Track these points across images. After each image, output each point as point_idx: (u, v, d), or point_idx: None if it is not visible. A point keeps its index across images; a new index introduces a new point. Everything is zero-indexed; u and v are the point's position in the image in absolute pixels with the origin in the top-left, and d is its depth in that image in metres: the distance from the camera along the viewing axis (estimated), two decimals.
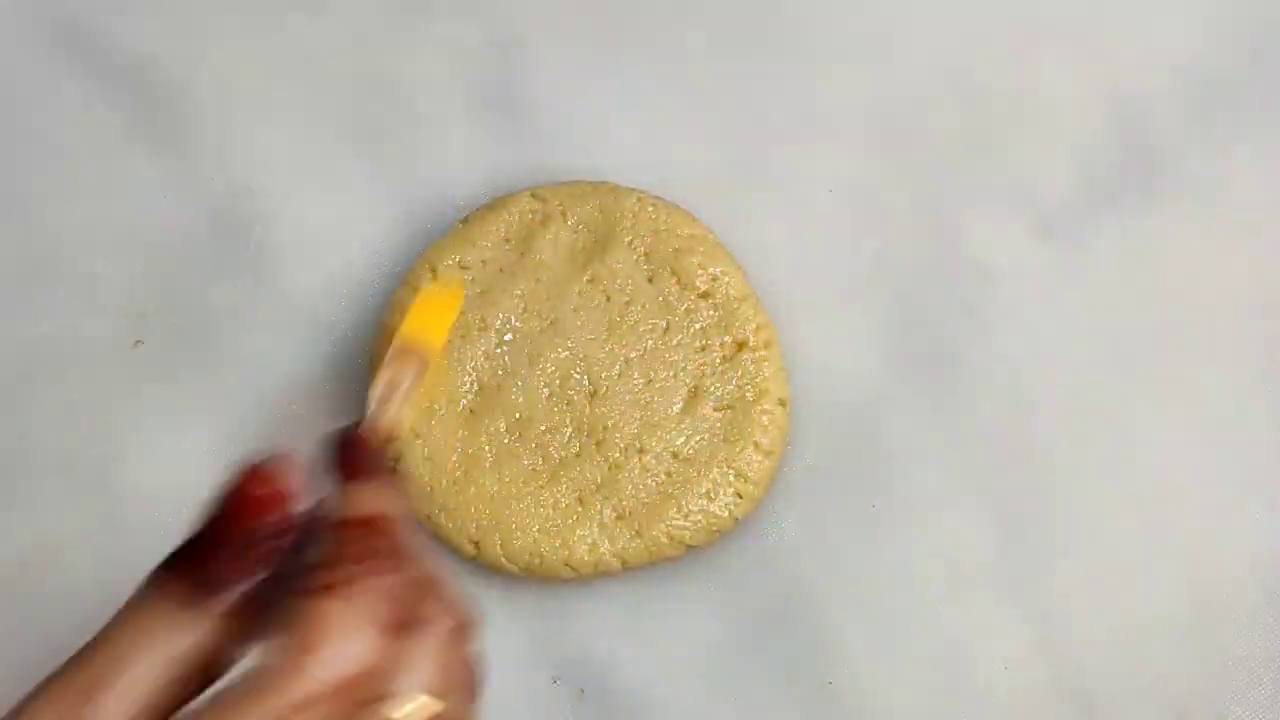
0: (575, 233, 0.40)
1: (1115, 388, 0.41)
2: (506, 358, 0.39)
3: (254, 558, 0.22)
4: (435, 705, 0.20)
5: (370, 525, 0.22)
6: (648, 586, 0.39)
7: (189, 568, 0.22)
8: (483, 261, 0.40)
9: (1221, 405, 0.40)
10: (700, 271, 0.39)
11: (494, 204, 0.41)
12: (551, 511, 0.38)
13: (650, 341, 0.39)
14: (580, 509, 0.38)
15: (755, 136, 0.43)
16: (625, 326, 0.39)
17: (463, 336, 0.39)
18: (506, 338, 0.39)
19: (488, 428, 0.38)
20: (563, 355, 0.39)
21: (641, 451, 0.38)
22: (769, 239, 0.42)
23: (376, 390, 0.30)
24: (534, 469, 0.38)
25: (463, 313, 0.39)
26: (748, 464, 0.38)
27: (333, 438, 0.25)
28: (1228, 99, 0.43)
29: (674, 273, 0.39)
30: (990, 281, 0.41)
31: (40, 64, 0.43)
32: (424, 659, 0.21)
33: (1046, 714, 0.38)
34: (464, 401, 0.39)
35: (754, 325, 0.39)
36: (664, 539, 0.38)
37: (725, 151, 0.43)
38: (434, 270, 0.40)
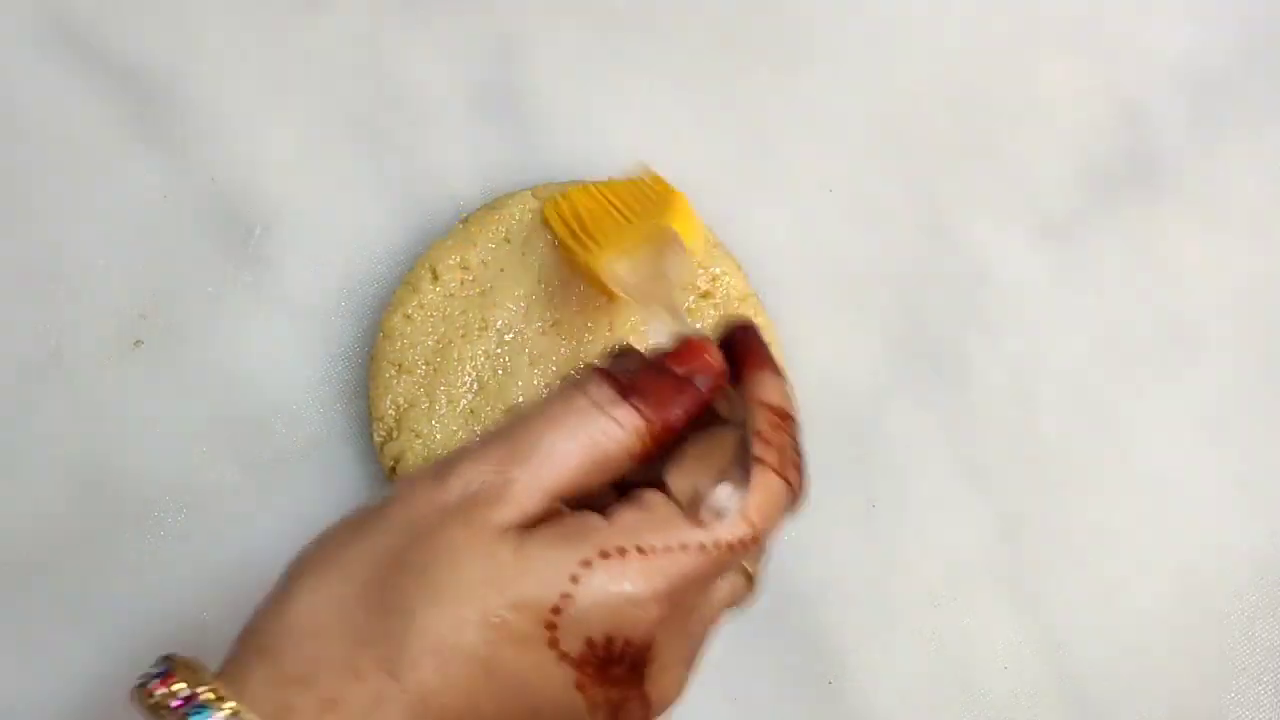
0: None
1: (1115, 387, 0.41)
2: (507, 357, 0.39)
3: (690, 396, 0.24)
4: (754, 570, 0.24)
5: (786, 418, 0.25)
6: None
7: (630, 382, 0.23)
8: (483, 261, 0.40)
9: (1221, 404, 0.41)
10: (701, 271, 0.39)
11: (494, 204, 0.40)
12: None
13: (650, 342, 0.39)
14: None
15: (755, 136, 0.43)
16: (626, 327, 0.39)
17: (463, 336, 0.39)
18: (507, 337, 0.39)
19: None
20: (564, 355, 0.39)
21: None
22: (769, 239, 0.42)
23: (670, 271, 0.31)
24: None
25: (462, 312, 0.39)
26: None
27: (738, 329, 0.27)
28: (1228, 99, 0.43)
29: None
30: (990, 281, 0.41)
31: (40, 64, 0.43)
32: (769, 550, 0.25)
33: (1046, 714, 0.38)
34: (464, 401, 0.39)
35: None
36: None
37: (725, 151, 0.43)
38: (434, 270, 0.40)
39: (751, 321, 0.28)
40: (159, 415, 0.41)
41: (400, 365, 0.39)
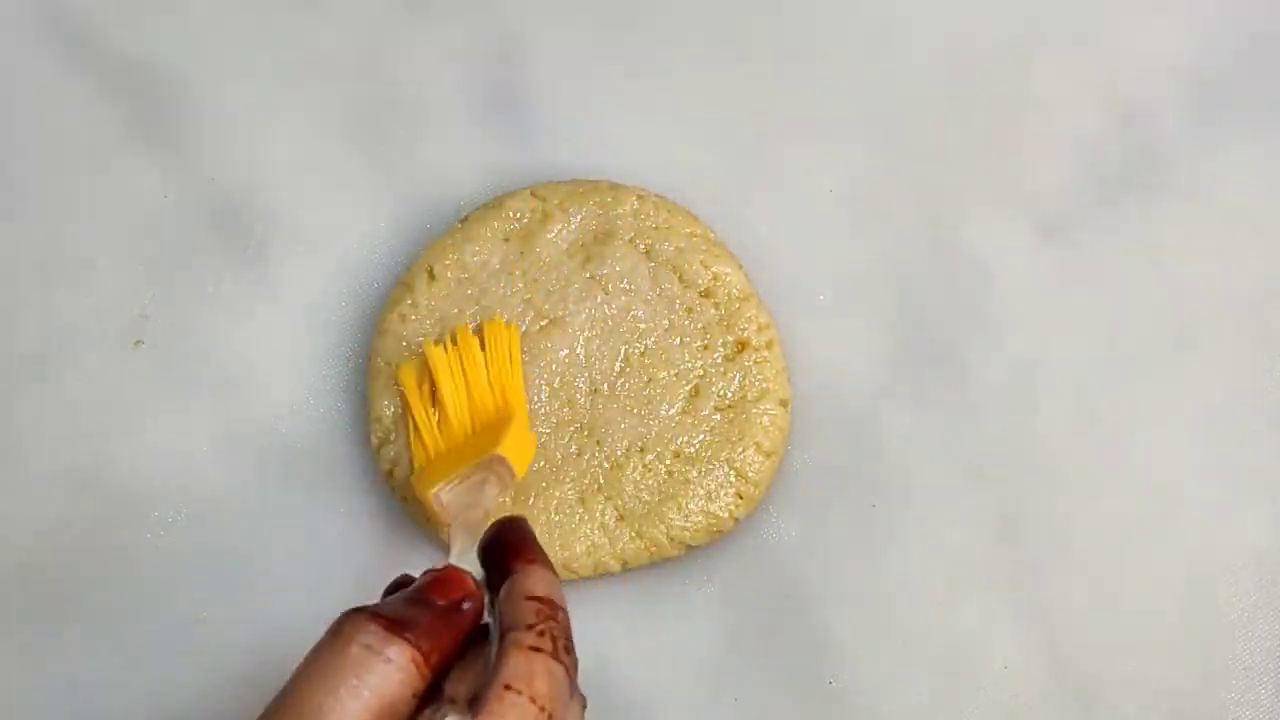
0: (576, 231, 0.40)
1: (1115, 388, 0.41)
2: None
3: (457, 622, 0.24)
4: None
5: (555, 608, 0.25)
6: (647, 587, 0.39)
7: (399, 626, 0.23)
8: (482, 261, 0.40)
9: (1222, 405, 0.40)
10: (702, 270, 0.39)
11: (494, 203, 0.40)
12: (552, 512, 0.38)
13: (651, 340, 0.39)
14: (581, 509, 0.38)
15: (755, 136, 0.43)
16: (626, 325, 0.39)
17: None
18: None
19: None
20: (563, 354, 0.39)
21: (642, 451, 0.38)
22: (769, 239, 0.42)
23: (487, 500, 0.33)
24: (534, 469, 0.38)
25: (459, 312, 0.39)
26: (749, 464, 0.38)
27: (503, 528, 0.28)
28: (1228, 99, 0.43)
29: (675, 271, 0.39)
30: (990, 281, 0.41)
31: (40, 64, 0.43)
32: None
33: (1046, 714, 0.38)
34: None
35: (756, 325, 0.39)
36: (664, 539, 0.38)
37: (725, 151, 0.43)
38: (431, 270, 0.40)
39: (519, 517, 0.29)
40: (159, 415, 0.41)
41: (397, 365, 0.39)
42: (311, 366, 0.41)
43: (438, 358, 0.37)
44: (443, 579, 0.25)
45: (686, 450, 0.38)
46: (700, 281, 0.39)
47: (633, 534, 0.38)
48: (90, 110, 0.43)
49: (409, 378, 0.37)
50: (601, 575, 0.38)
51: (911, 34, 0.44)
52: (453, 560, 0.28)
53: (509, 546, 0.27)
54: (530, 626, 0.24)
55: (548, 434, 0.38)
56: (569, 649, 0.24)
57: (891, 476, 0.40)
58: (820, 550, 0.39)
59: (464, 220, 0.41)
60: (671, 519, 0.38)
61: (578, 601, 0.38)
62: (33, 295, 0.42)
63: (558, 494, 0.38)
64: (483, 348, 0.37)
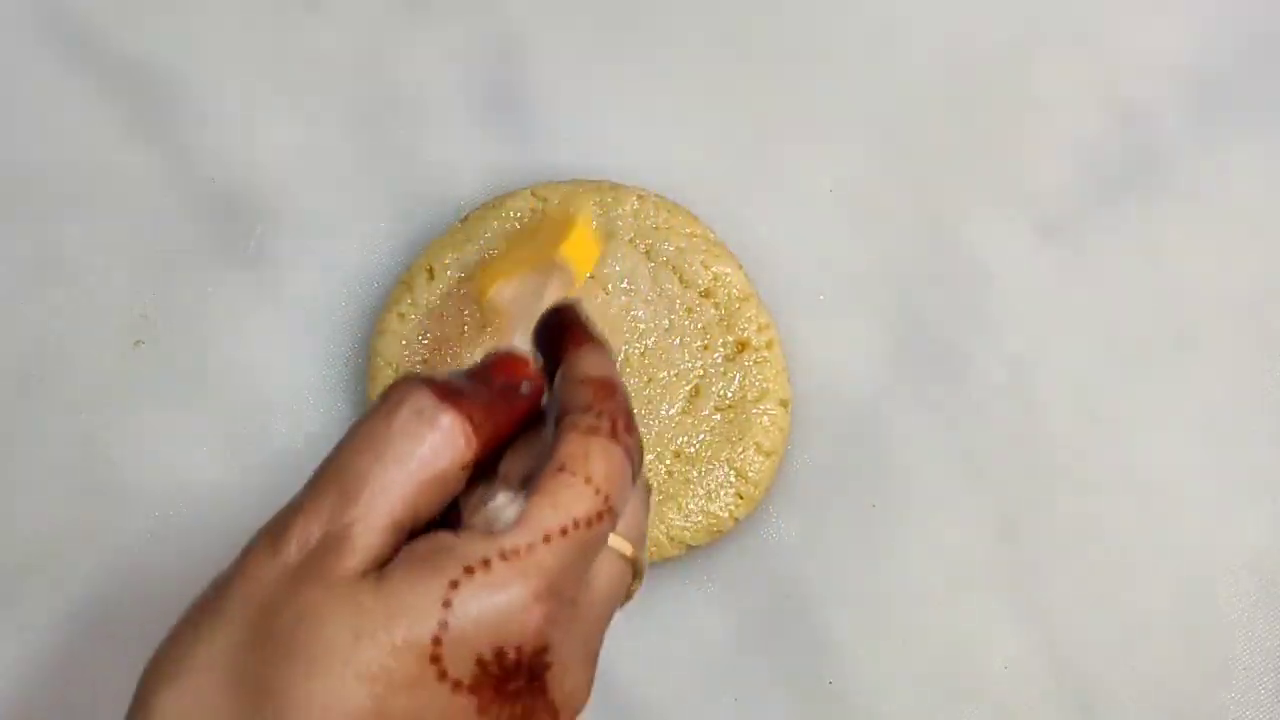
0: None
1: (1115, 388, 0.41)
2: None
3: (513, 401, 0.23)
4: (629, 551, 0.23)
5: (612, 386, 0.24)
6: (648, 586, 0.39)
7: (453, 396, 0.22)
8: (482, 260, 0.40)
9: (1222, 405, 0.40)
10: (702, 270, 0.39)
11: (494, 203, 0.40)
12: None
13: (651, 340, 0.39)
14: None
15: (755, 136, 0.43)
16: (626, 325, 0.39)
17: (460, 335, 0.39)
18: None
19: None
20: None
21: (642, 451, 0.38)
22: (769, 239, 0.42)
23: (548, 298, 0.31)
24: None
25: (459, 311, 0.39)
26: (749, 464, 0.38)
27: (555, 312, 0.27)
28: (1228, 99, 0.43)
29: (675, 271, 0.39)
30: (990, 281, 0.41)
31: (40, 64, 0.43)
32: (637, 510, 0.24)
33: (1046, 714, 0.38)
34: None
35: (756, 325, 0.39)
36: (664, 539, 0.38)
37: (725, 151, 0.43)
38: (431, 270, 0.40)
39: (570, 303, 0.27)
40: (159, 415, 0.41)
41: (397, 366, 0.39)
42: (311, 366, 0.41)
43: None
44: (503, 359, 0.24)
45: (686, 450, 0.38)
46: (700, 282, 0.39)
47: None
48: (90, 109, 0.43)
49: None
50: None
51: (911, 34, 0.44)
52: None
53: (563, 328, 0.26)
54: (587, 408, 0.22)
55: None
56: (629, 429, 0.23)
57: (891, 476, 0.40)
58: (820, 550, 0.39)
59: (464, 220, 0.40)
60: (671, 519, 0.38)
61: None
62: (32, 295, 0.42)
63: None
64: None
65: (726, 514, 0.38)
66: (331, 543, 0.20)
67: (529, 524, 0.20)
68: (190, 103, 0.43)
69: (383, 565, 0.20)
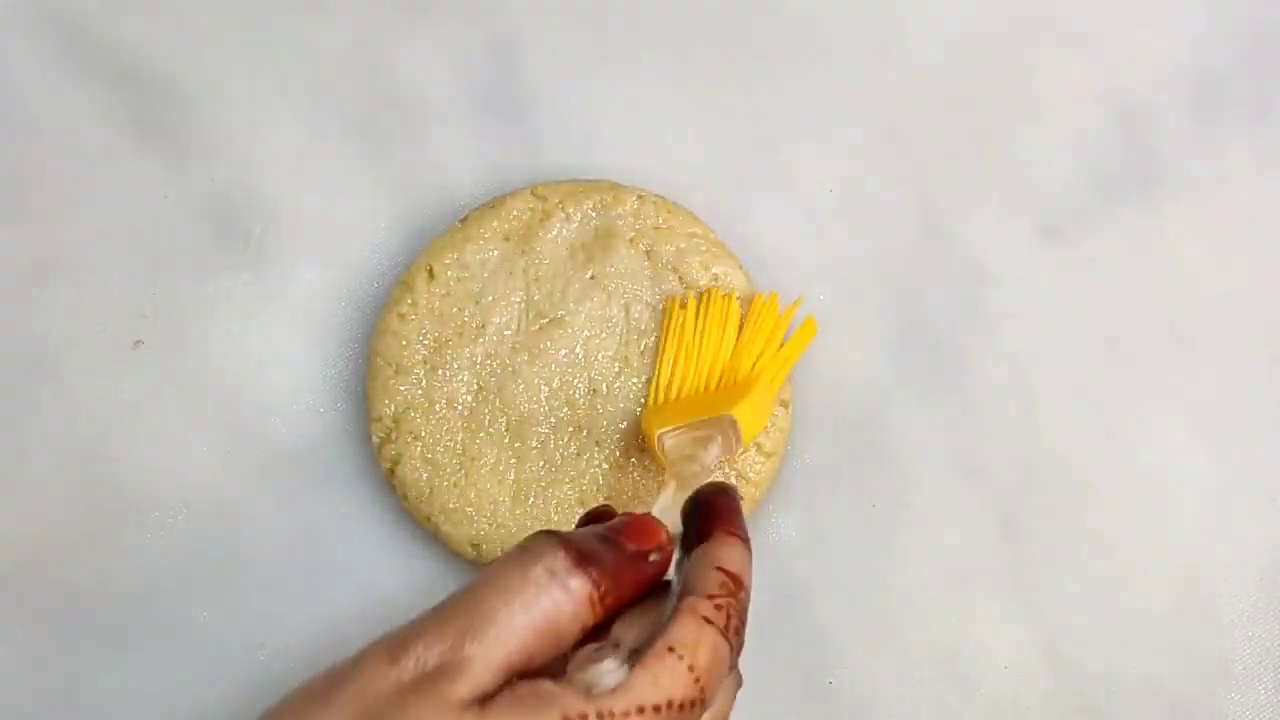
0: (576, 231, 0.40)
1: (1115, 387, 0.41)
2: (507, 357, 0.39)
3: (643, 569, 0.25)
4: None
5: (740, 585, 0.25)
6: None
7: (585, 561, 0.23)
8: (482, 260, 0.40)
9: (1221, 405, 0.40)
10: (702, 271, 0.39)
11: (494, 203, 0.40)
12: (551, 513, 0.38)
13: (651, 339, 0.39)
14: (581, 511, 0.38)
15: (755, 136, 0.43)
16: (627, 325, 0.39)
17: (459, 335, 0.39)
18: (506, 334, 0.39)
19: (488, 428, 0.38)
20: (562, 354, 0.39)
21: (642, 451, 0.38)
22: (769, 239, 0.42)
23: (708, 458, 0.33)
24: (534, 470, 0.38)
25: (459, 311, 0.39)
26: (749, 465, 0.38)
27: (718, 492, 0.28)
28: (1228, 99, 0.43)
29: (675, 271, 0.39)
30: (990, 281, 0.41)
31: (40, 64, 0.43)
32: (725, 702, 0.25)
33: (1046, 714, 0.38)
34: (463, 402, 0.39)
35: None
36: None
37: (725, 151, 0.43)
38: (430, 270, 0.40)
39: (732, 486, 0.29)
40: (159, 415, 0.41)
41: (398, 366, 0.39)
42: (311, 366, 0.41)
43: (692, 313, 0.38)
44: (638, 525, 0.25)
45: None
46: (700, 281, 0.39)
47: None
48: (90, 110, 0.43)
49: (676, 317, 0.38)
50: None
51: (911, 35, 0.44)
52: (656, 510, 0.28)
53: (716, 511, 0.27)
54: (711, 597, 0.24)
55: (547, 433, 0.38)
56: (739, 631, 0.24)
57: (891, 476, 0.40)
58: (820, 550, 0.39)
59: (464, 220, 0.40)
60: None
61: None
62: (34, 294, 0.42)
63: (557, 495, 0.38)
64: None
65: None
66: (448, 669, 0.21)
67: (629, 693, 0.21)
68: (190, 103, 0.43)
69: (488, 699, 0.21)
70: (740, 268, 0.40)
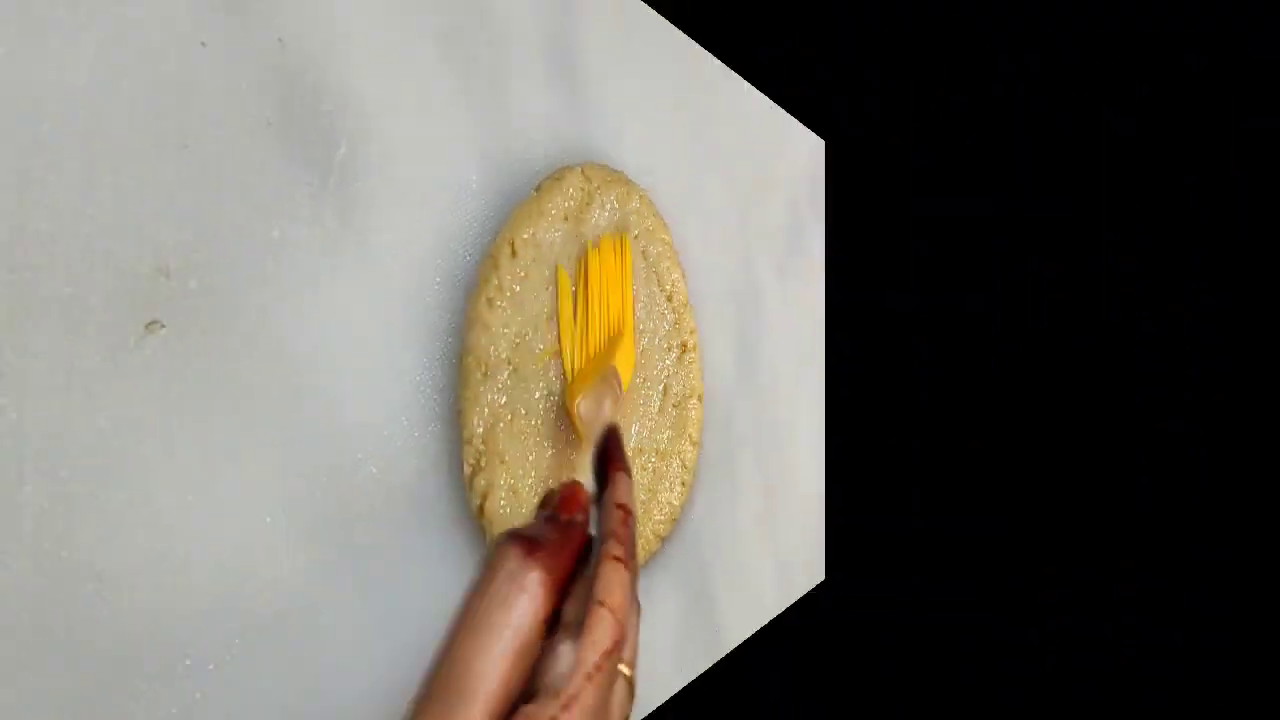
0: (606, 220, 0.38)
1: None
2: (574, 350, 0.35)
3: (575, 536, 0.25)
4: (629, 672, 0.25)
5: (629, 512, 0.27)
6: (646, 587, 0.40)
7: (535, 549, 0.24)
8: (550, 241, 0.34)
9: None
10: (667, 275, 0.41)
11: (558, 174, 0.35)
12: None
13: (644, 341, 0.39)
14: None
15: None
16: (639, 326, 0.39)
17: (535, 329, 0.33)
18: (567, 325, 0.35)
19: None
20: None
21: (640, 452, 0.39)
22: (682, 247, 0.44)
23: (604, 412, 0.33)
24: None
25: (535, 298, 0.33)
26: (686, 454, 0.42)
27: (605, 435, 0.29)
28: None
29: (655, 274, 0.40)
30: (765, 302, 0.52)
31: None
32: (634, 631, 0.25)
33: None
34: (538, 412, 0.33)
35: (690, 328, 0.43)
36: (651, 536, 0.39)
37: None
38: (513, 245, 0.32)
39: (613, 425, 0.32)
40: (166, 412, 0.22)
41: (486, 367, 0.31)
42: (402, 368, 0.28)
43: (593, 265, 0.36)
44: (567, 495, 0.27)
45: (661, 447, 0.40)
46: (666, 286, 0.41)
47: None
48: None
49: (565, 298, 0.35)
50: None
51: None
52: (578, 473, 0.30)
53: (607, 454, 0.29)
54: (614, 534, 0.26)
55: (559, 434, 0.36)
56: (633, 554, 0.25)
57: (742, 458, 0.48)
58: (712, 529, 0.45)
59: (538, 189, 0.34)
60: (655, 515, 0.39)
61: None
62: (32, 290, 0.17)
63: None
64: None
65: (677, 503, 0.41)
66: None
67: (579, 666, 0.23)
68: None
69: None
70: (684, 275, 0.42)
